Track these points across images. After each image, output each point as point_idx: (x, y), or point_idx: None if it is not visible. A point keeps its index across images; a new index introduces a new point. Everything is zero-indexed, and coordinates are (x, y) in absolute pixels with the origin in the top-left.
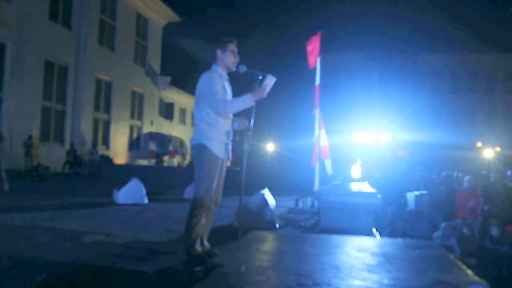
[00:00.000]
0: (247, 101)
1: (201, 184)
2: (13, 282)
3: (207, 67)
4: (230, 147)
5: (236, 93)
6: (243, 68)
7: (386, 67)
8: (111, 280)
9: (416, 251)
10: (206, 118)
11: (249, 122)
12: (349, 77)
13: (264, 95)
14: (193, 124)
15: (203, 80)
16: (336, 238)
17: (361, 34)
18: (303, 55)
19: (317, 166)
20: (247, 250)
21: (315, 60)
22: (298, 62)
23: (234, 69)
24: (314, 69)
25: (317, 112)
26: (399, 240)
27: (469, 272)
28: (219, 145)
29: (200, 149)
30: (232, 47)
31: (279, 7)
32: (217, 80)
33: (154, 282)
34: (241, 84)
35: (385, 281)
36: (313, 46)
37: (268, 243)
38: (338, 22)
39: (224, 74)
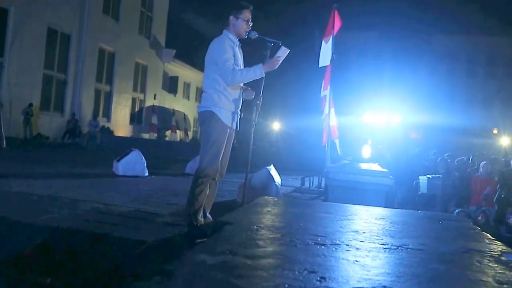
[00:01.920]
0: (258, 72)
1: (207, 153)
2: (7, 245)
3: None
4: (238, 117)
5: (246, 59)
6: (254, 35)
7: (399, 47)
8: (108, 248)
9: (440, 222)
10: (215, 85)
11: (259, 91)
12: (361, 56)
13: (276, 66)
14: (201, 91)
15: (213, 46)
16: (351, 207)
17: (373, 13)
18: (314, 30)
19: (327, 145)
20: (258, 213)
21: (328, 33)
22: (308, 37)
23: (245, 36)
24: (325, 46)
25: (328, 90)
26: (420, 211)
27: (500, 242)
28: (227, 113)
29: (207, 116)
30: (246, 14)
31: None
32: (227, 47)
33: (153, 251)
34: (250, 50)
35: (411, 246)
36: (332, 21)
37: (279, 207)
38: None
39: (236, 40)
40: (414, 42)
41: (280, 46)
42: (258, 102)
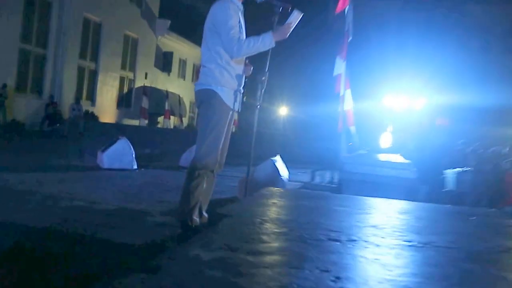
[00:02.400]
0: (267, 41)
1: (205, 140)
2: None
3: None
4: (241, 96)
5: (247, 27)
6: None
7: (425, 19)
8: (91, 251)
9: (472, 218)
10: (217, 59)
11: (264, 65)
12: (380, 30)
13: (287, 35)
14: (200, 65)
15: (215, 11)
16: (370, 199)
17: None
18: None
19: (342, 133)
20: (262, 205)
21: (344, 3)
22: (319, 6)
23: None
24: (340, 17)
25: (343, 67)
26: (449, 206)
27: None
28: (229, 92)
29: (208, 96)
30: None
31: None
32: (232, 13)
33: (142, 256)
34: (253, 15)
35: (439, 243)
36: None
37: (286, 199)
38: None
39: (240, 4)
40: (442, 13)
41: (291, 11)
42: (263, 78)
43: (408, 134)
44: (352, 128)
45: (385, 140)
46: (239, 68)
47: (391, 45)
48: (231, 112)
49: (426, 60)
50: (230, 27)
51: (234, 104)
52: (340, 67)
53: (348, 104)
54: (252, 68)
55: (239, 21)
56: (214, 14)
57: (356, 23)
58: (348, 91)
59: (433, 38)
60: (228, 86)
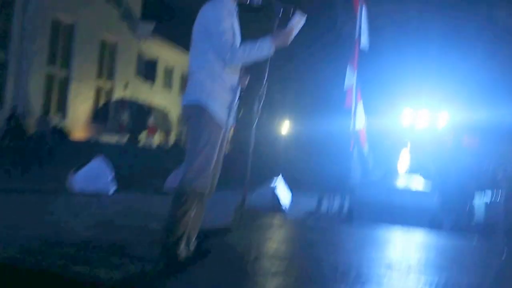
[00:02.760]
0: (265, 48)
1: (194, 161)
2: None
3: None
4: (235, 111)
5: (243, 31)
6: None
7: (449, 24)
8: None
9: (503, 257)
10: (208, 68)
11: (262, 75)
12: (397, 35)
13: (289, 40)
14: (188, 74)
15: (207, 12)
16: (383, 230)
17: None
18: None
19: (353, 153)
20: (259, 237)
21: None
22: (327, 7)
23: (247, 0)
24: (350, 21)
25: (354, 79)
26: (477, 239)
27: None
28: (222, 106)
29: (197, 111)
30: None
31: None
32: (225, 15)
33: None
34: (250, 18)
35: (465, 286)
36: None
37: (287, 230)
38: None
39: (235, 6)
40: (469, 16)
41: (293, 12)
42: (260, 92)
43: (429, 155)
44: (365, 148)
45: (403, 161)
46: (233, 78)
47: (410, 53)
48: (223, 129)
49: (451, 70)
50: (223, 30)
51: (227, 120)
52: (351, 78)
53: (360, 120)
54: (248, 79)
55: (234, 25)
56: (205, 15)
57: (369, 27)
58: (360, 104)
59: (458, 45)
60: (220, 99)
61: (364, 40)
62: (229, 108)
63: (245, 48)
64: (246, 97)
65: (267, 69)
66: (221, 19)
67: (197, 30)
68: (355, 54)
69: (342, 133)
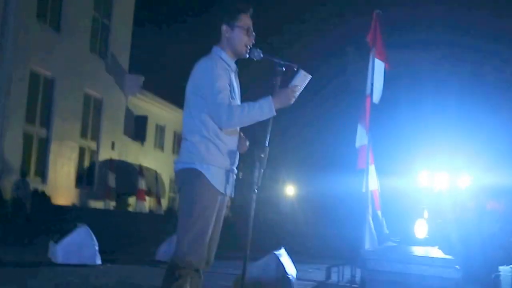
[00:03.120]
0: (266, 108)
1: (188, 232)
2: None
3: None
4: (234, 177)
5: (244, 91)
6: (257, 54)
7: (470, 75)
8: None
9: None
10: (202, 130)
11: (263, 137)
12: (413, 88)
13: (292, 100)
14: (181, 138)
15: (200, 71)
16: None
17: (432, 27)
18: (345, 47)
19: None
20: None
21: (383, 55)
22: (338, 57)
23: (245, 55)
24: (361, 75)
25: (366, 138)
26: None
27: None
28: (219, 171)
29: (191, 177)
30: (246, 20)
31: None
32: (220, 72)
33: None
34: (250, 76)
35: None
36: (373, 34)
37: None
38: (396, 7)
39: (232, 62)
40: (492, 67)
41: (297, 71)
42: (261, 155)
43: (450, 221)
44: (379, 211)
45: (421, 228)
46: (231, 141)
47: (427, 109)
48: (220, 197)
49: (472, 128)
50: (218, 90)
51: (225, 187)
52: (363, 137)
53: (372, 183)
54: (248, 143)
55: (231, 83)
56: (198, 73)
57: (384, 77)
58: (372, 167)
59: (480, 100)
60: (216, 165)
61: (377, 95)
62: (228, 173)
63: (243, 109)
64: (247, 160)
65: (269, 131)
66: (215, 77)
67: (190, 90)
68: (366, 112)
69: (353, 195)
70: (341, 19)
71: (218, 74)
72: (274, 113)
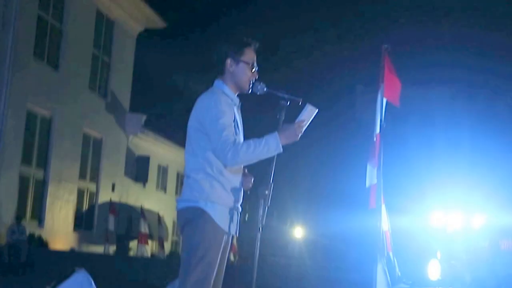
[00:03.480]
0: (272, 145)
1: (191, 273)
2: None
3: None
4: (238, 216)
5: (247, 126)
6: (261, 88)
7: (483, 112)
8: None
9: None
10: (206, 167)
11: (267, 175)
12: (424, 125)
13: (299, 136)
14: (184, 175)
15: (203, 106)
16: None
17: (443, 64)
18: (354, 83)
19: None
20: None
21: (393, 92)
22: (346, 94)
23: (248, 89)
24: (370, 112)
25: (374, 174)
26: None
27: None
28: (223, 210)
29: (194, 216)
30: (250, 54)
31: (316, 13)
32: (224, 108)
33: None
34: (253, 110)
35: None
36: (386, 70)
37: None
38: (407, 43)
39: (235, 97)
40: (506, 104)
41: (304, 105)
42: (266, 192)
43: (463, 262)
44: (391, 252)
45: (433, 270)
46: (235, 179)
47: (439, 146)
48: (225, 236)
49: (487, 165)
50: (223, 127)
51: (229, 225)
52: (372, 176)
53: (384, 221)
54: (252, 179)
55: (235, 119)
56: (201, 109)
57: (393, 116)
58: (383, 208)
59: (494, 139)
60: (221, 203)
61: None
62: (232, 212)
63: (249, 146)
64: (252, 199)
65: (273, 168)
66: (220, 113)
67: (193, 126)
68: (375, 151)
69: (364, 237)
70: (351, 55)
71: (222, 110)
72: (281, 150)
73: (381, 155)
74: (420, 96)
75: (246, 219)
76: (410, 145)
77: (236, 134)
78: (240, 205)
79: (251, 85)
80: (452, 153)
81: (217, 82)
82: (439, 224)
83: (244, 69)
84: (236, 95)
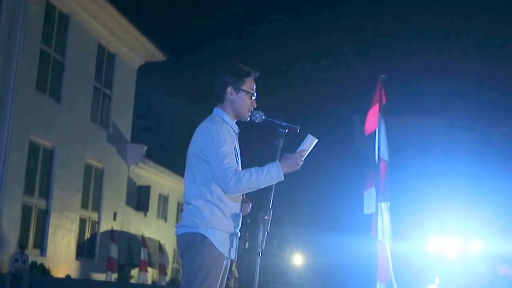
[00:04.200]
0: (274, 174)
1: None
2: None
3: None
4: (237, 241)
5: (244, 153)
6: (260, 116)
7: (481, 141)
8: None
9: None
10: (206, 194)
11: (268, 200)
12: (422, 153)
13: (299, 165)
14: (184, 202)
15: (204, 134)
16: None
17: (439, 94)
18: (351, 115)
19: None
20: None
21: (372, 123)
22: (344, 124)
23: (247, 118)
24: (369, 139)
25: (373, 202)
26: None
27: None
28: (223, 236)
29: (195, 242)
30: (250, 84)
31: (313, 44)
32: (225, 136)
33: None
34: (251, 139)
35: None
36: (374, 101)
37: None
38: (405, 73)
39: (234, 125)
40: (503, 132)
41: (307, 137)
42: (265, 217)
43: (462, 286)
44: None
45: None
46: (235, 205)
47: (437, 173)
48: (225, 261)
49: (484, 192)
50: (224, 155)
51: (229, 250)
52: (371, 204)
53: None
54: (250, 205)
55: (235, 147)
56: (202, 136)
57: (391, 144)
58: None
59: (492, 164)
60: (221, 229)
61: (384, 157)
62: (232, 237)
63: (251, 174)
64: (251, 227)
65: (273, 193)
66: (221, 141)
67: (192, 153)
68: (381, 176)
69: (362, 262)
70: (348, 86)
71: (223, 138)
72: (283, 178)
73: (388, 181)
74: (418, 125)
75: (247, 247)
76: (408, 172)
77: (236, 162)
78: (239, 231)
79: (250, 114)
80: (450, 181)
81: (217, 110)
82: (437, 250)
83: (244, 98)
84: (235, 122)
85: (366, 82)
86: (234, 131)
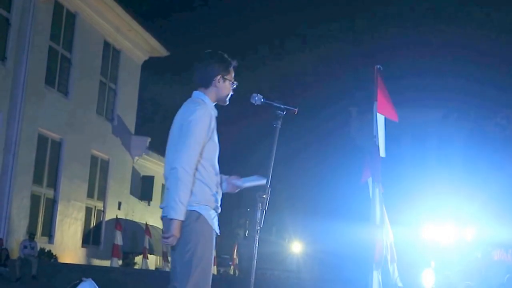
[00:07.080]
0: (178, 209)
1: (191, 277)
2: None
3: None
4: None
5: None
6: (259, 99)
7: (475, 131)
8: None
9: None
10: (196, 171)
11: (265, 178)
12: (418, 144)
13: (174, 237)
14: (165, 179)
15: (187, 115)
16: None
17: (435, 86)
18: (348, 107)
19: (376, 275)
20: None
21: (388, 108)
22: (341, 116)
23: (227, 103)
24: (365, 132)
25: (378, 189)
26: None
27: None
28: (212, 212)
29: (189, 220)
30: (233, 73)
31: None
32: (206, 121)
33: None
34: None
35: None
36: (378, 89)
37: None
38: (400, 65)
39: (214, 108)
40: (496, 123)
41: (258, 177)
42: (263, 196)
43: (456, 272)
44: (395, 265)
45: (428, 278)
46: (216, 182)
47: (432, 162)
48: (215, 236)
49: (478, 180)
50: (194, 141)
51: (218, 226)
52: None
53: (390, 235)
54: (239, 182)
55: (211, 125)
56: (189, 116)
57: (388, 136)
58: (386, 220)
59: (486, 154)
60: (210, 205)
61: (382, 149)
62: (216, 213)
63: (185, 187)
64: (247, 206)
65: (271, 173)
66: (203, 127)
67: (178, 127)
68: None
69: (360, 249)
70: (344, 79)
71: (205, 124)
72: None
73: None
74: (413, 116)
75: (246, 234)
76: (403, 161)
77: (213, 141)
78: (220, 206)
79: (228, 98)
80: (445, 169)
81: (199, 94)
82: (431, 236)
83: (228, 86)
84: (213, 104)
85: (361, 74)
86: (214, 116)
